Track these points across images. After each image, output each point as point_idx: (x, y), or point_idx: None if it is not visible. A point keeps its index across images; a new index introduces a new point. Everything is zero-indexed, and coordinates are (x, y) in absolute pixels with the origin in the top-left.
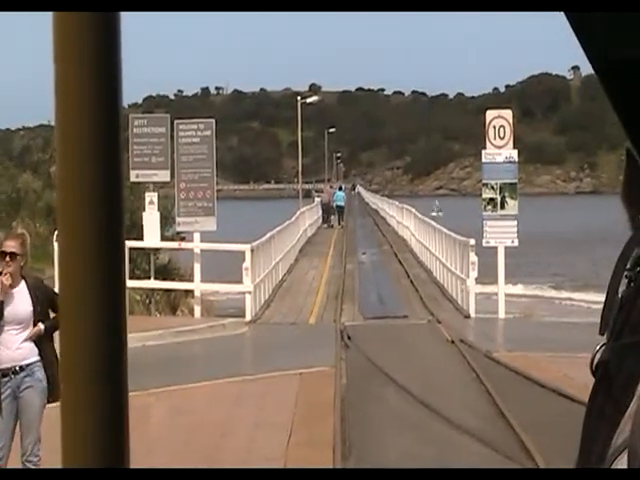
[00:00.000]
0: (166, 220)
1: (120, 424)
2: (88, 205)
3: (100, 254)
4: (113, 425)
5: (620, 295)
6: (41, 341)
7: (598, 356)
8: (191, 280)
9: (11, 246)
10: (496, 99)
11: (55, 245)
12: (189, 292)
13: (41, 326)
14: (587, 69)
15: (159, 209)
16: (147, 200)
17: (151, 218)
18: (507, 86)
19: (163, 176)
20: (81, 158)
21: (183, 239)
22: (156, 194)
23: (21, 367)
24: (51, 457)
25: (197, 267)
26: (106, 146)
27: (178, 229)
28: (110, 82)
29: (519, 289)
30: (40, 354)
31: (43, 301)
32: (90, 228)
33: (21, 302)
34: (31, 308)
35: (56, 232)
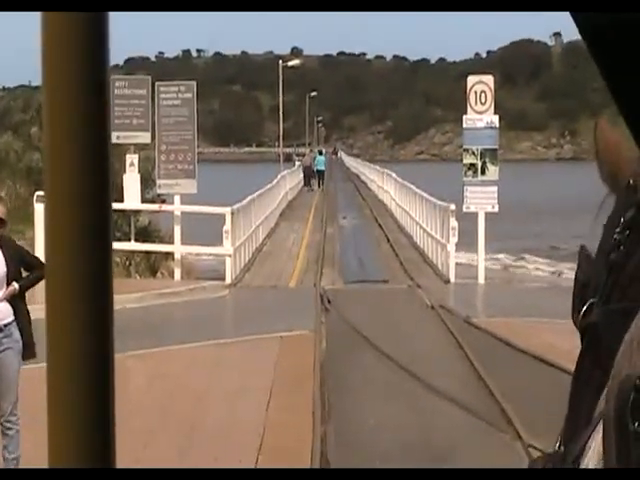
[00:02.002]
0: (146, 182)
1: (106, 387)
2: (75, 169)
3: (87, 216)
4: (99, 393)
5: (609, 258)
6: (15, 300)
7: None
8: (171, 242)
9: (2, 212)
10: (478, 65)
11: (35, 206)
12: (169, 255)
13: (15, 285)
14: (568, 36)
15: (139, 171)
16: (128, 162)
17: (131, 180)
18: (489, 52)
19: (144, 138)
20: (69, 142)
21: (164, 201)
22: (137, 156)
23: None
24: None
25: (177, 229)
26: (95, 119)
27: (158, 191)
28: (97, 76)
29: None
30: (14, 314)
31: (16, 260)
32: (77, 191)
33: None
34: (5, 268)
35: (36, 194)
